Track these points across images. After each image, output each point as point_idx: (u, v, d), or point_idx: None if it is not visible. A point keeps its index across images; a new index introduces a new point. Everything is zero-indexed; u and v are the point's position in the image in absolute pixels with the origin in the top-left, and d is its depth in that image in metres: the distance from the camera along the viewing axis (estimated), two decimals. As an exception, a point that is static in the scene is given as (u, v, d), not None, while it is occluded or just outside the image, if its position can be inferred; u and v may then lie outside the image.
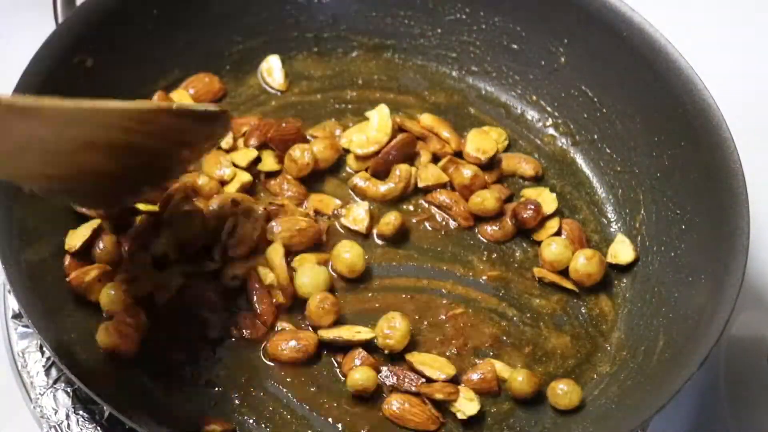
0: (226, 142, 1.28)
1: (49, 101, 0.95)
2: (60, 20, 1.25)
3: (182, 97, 1.30)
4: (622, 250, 1.23)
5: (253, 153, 1.27)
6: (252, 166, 1.26)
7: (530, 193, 1.28)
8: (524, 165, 1.31)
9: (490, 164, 1.29)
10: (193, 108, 1.17)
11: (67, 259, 1.14)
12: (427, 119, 1.32)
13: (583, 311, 1.21)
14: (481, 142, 1.30)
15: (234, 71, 1.36)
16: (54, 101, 0.95)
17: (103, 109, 0.99)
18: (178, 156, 1.13)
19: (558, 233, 1.24)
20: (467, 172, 1.26)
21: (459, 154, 1.30)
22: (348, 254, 1.18)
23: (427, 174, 1.26)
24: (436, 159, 1.29)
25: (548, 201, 1.26)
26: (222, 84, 1.33)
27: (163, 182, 1.19)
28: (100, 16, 1.23)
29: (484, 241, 1.25)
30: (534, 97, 1.36)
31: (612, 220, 1.29)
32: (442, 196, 1.26)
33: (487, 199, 1.24)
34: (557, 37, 1.31)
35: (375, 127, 1.30)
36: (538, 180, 1.31)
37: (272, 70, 1.36)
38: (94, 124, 0.99)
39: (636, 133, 1.27)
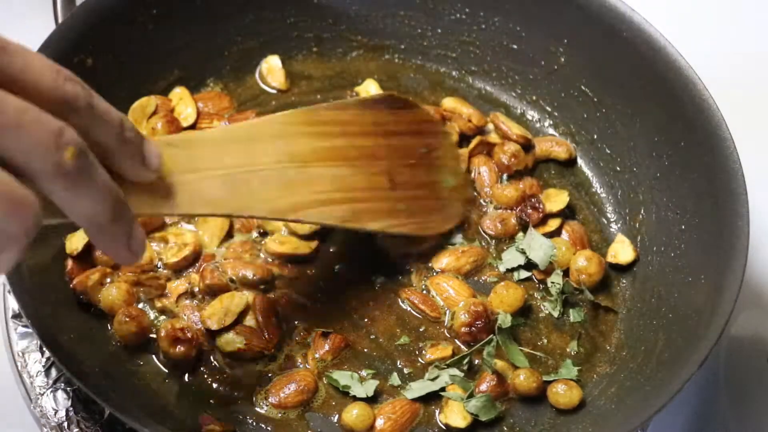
0: None
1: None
2: (60, 20, 1.25)
3: (184, 95, 1.30)
4: (622, 250, 1.23)
5: None
6: None
7: (549, 192, 1.28)
8: (557, 148, 1.32)
9: (527, 147, 1.31)
10: (368, 97, 1.23)
11: (69, 264, 1.14)
12: (448, 102, 1.33)
13: (583, 311, 1.20)
14: (516, 125, 1.32)
15: (234, 71, 1.36)
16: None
17: (257, 123, 1.06)
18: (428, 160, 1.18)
19: (558, 232, 1.25)
20: (510, 147, 1.28)
21: (481, 132, 1.32)
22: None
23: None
24: (462, 138, 1.31)
25: (557, 201, 1.26)
26: (231, 102, 1.33)
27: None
28: (100, 16, 1.23)
29: (486, 237, 1.25)
30: (534, 97, 1.36)
31: (612, 220, 1.29)
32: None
33: (507, 189, 1.25)
34: (557, 37, 1.31)
35: None
36: (572, 163, 1.32)
37: (272, 70, 1.36)
38: (266, 139, 1.03)
39: (636, 133, 1.27)
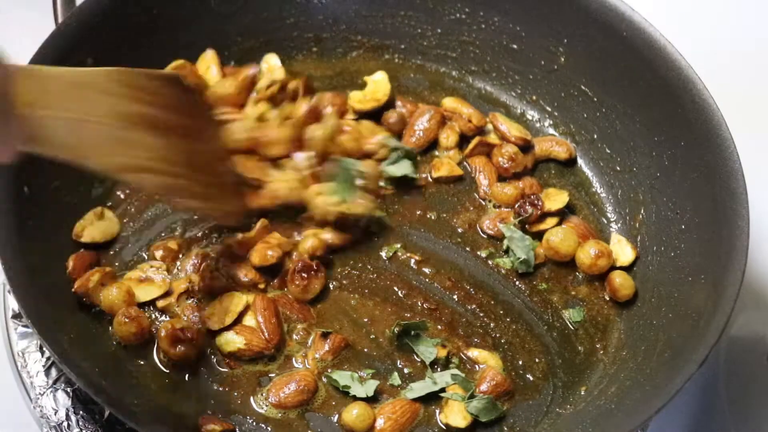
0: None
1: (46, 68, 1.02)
2: (60, 20, 1.25)
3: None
4: (622, 250, 1.23)
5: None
6: None
7: (549, 192, 1.28)
8: (557, 148, 1.32)
9: (526, 147, 1.31)
10: (167, 72, 1.25)
11: (70, 264, 1.15)
12: (449, 102, 1.34)
13: (583, 311, 1.20)
14: (516, 125, 1.32)
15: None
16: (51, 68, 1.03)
17: (94, 72, 1.05)
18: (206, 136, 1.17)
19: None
20: (508, 149, 1.29)
21: (480, 132, 1.32)
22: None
23: (441, 164, 1.29)
24: (462, 138, 1.32)
25: (557, 200, 1.26)
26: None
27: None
28: (100, 16, 1.23)
29: (485, 237, 1.25)
30: (534, 97, 1.36)
31: (612, 220, 1.29)
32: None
33: (507, 188, 1.26)
34: (557, 37, 1.31)
35: (373, 89, 1.33)
36: (571, 162, 1.32)
37: (272, 70, 1.36)
38: (99, 91, 1.04)
39: (636, 133, 1.27)
